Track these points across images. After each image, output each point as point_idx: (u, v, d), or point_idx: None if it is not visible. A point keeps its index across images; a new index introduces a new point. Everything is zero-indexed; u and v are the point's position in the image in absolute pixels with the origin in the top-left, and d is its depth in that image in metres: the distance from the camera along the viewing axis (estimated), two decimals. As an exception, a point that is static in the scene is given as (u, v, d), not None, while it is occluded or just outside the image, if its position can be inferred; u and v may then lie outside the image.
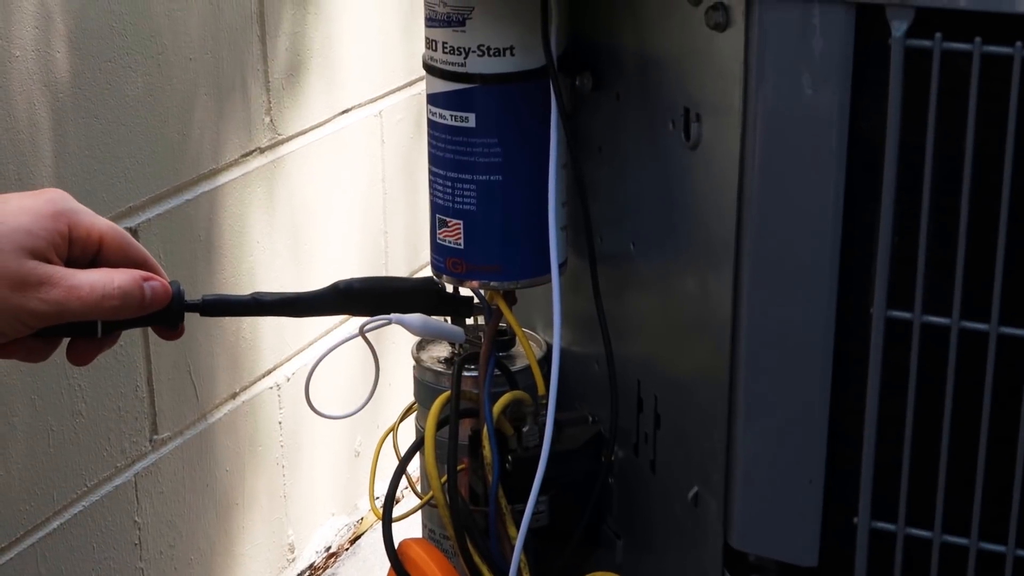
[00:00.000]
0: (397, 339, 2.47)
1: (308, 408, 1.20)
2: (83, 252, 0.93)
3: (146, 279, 0.94)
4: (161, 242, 1.90)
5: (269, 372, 2.15)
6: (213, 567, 2.08)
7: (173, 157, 1.91)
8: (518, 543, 1.10)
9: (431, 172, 1.15)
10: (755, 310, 0.99)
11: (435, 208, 1.15)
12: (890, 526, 0.98)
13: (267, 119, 2.09)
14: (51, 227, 0.89)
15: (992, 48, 0.88)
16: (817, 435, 0.98)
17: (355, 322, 2.42)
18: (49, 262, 0.89)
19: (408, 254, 2.50)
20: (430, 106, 1.14)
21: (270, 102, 2.09)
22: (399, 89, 2.41)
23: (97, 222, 0.94)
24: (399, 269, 2.48)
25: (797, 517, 1.00)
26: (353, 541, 2.32)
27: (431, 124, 1.14)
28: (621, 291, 1.15)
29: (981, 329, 0.93)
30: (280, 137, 2.13)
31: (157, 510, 1.96)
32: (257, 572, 2.17)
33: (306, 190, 2.19)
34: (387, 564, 1.18)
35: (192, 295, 1.03)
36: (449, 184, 1.13)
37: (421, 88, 2.47)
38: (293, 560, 2.25)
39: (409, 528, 1.26)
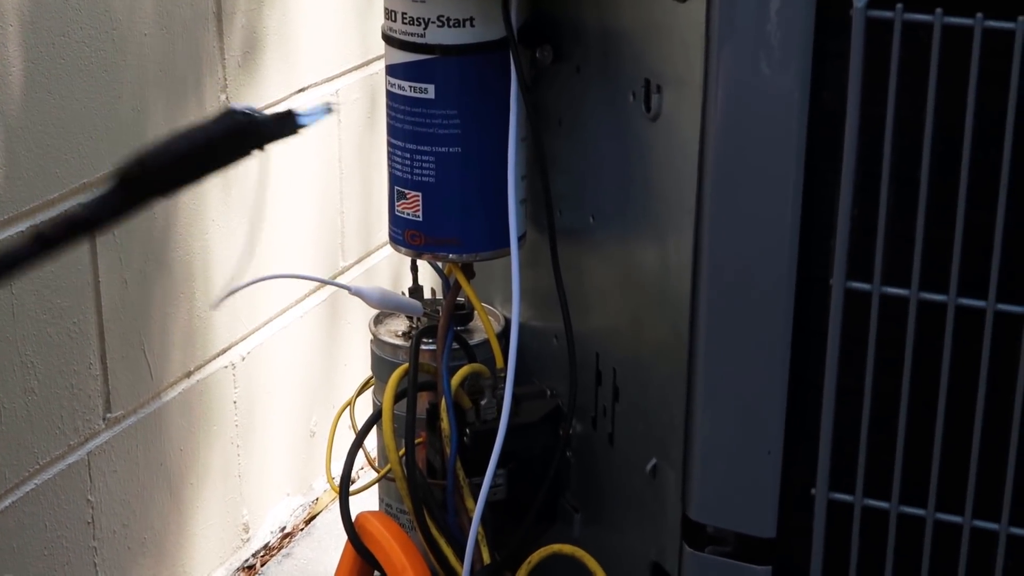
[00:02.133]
0: (351, 316, 2.46)
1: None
2: None
3: None
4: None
5: (224, 351, 2.14)
6: (166, 546, 2.06)
7: (127, 134, 1.90)
8: (475, 515, 1.10)
9: (389, 144, 1.14)
10: (714, 281, 0.99)
11: (393, 180, 1.14)
12: (848, 497, 0.98)
13: (222, 96, 2.07)
14: None
15: (953, 19, 0.89)
16: (776, 406, 0.99)
17: (310, 301, 2.39)
18: None
19: (365, 234, 2.49)
20: (389, 77, 1.13)
21: (225, 79, 2.07)
22: (355, 68, 2.40)
23: None
24: (355, 249, 2.47)
25: (755, 488, 1.00)
26: (308, 521, 2.32)
27: (390, 95, 1.13)
28: (580, 264, 1.15)
29: (940, 300, 0.93)
30: (236, 115, 2.11)
31: (110, 489, 1.94)
32: (211, 551, 2.16)
33: (262, 168, 2.17)
34: (341, 544, 1.17)
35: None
36: (408, 156, 1.12)
37: (376, 68, 2.45)
38: (247, 540, 2.24)
39: (366, 503, 1.25)
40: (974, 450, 0.95)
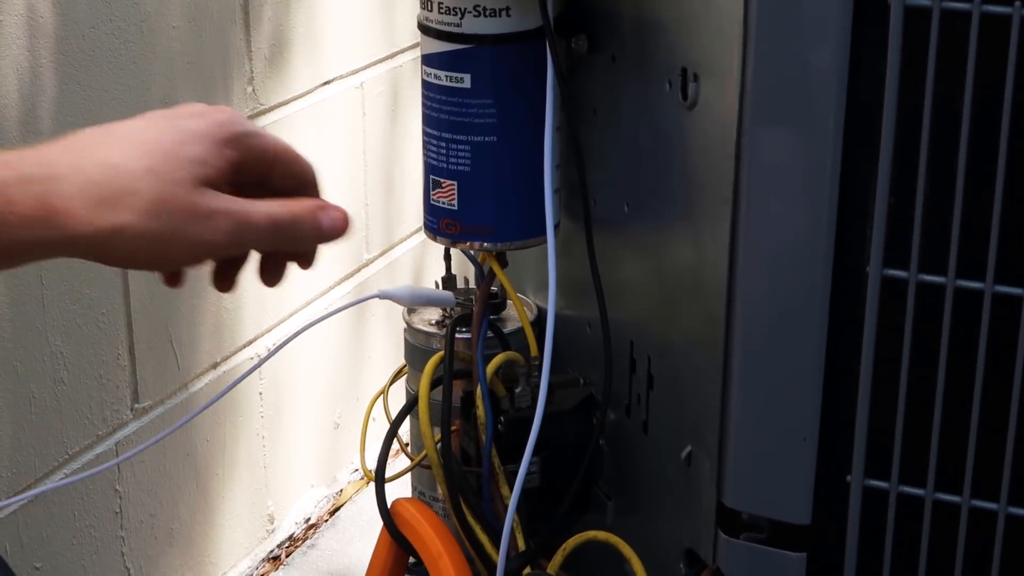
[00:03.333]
0: (376, 310, 2.47)
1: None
2: (255, 174, 0.89)
3: (321, 208, 0.90)
4: (143, 210, 1.89)
5: (250, 342, 2.15)
6: (193, 536, 2.08)
7: (156, 125, 1.90)
8: (512, 502, 1.11)
9: (425, 133, 1.15)
10: (750, 269, 0.99)
11: (429, 169, 1.15)
12: (883, 484, 0.99)
13: (249, 89, 2.08)
14: (223, 155, 0.85)
15: (991, 8, 0.89)
16: (811, 393, 0.99)
17: (335, 293, 2.39)
18: (220, 190, 0.85)
19: (388, 227, 2.50)
20: (424, 67, 1.13)
21: (252, 72, 2.08)
22: (380, 61, 2.41)
23: (268, 144, 0.90)
24: (379, 242, 2.48)
25: (790, 475, 1.01)
26: (332, 512, 2.33)
27: (425, 85, 1.14)
28: (615, 253, 1.15)
29: (976, 288, 0.93)
30: (262, 107, 2.12)
31: (138, 479, 1.95)
32: (237, 542, 2.17)
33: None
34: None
35: None
36: (443, 145, 1.13)
37: (401, 61, 2.46)
38: (272, 531, 2.25)
39: (396, 491, 1.26)
40: (1009, 438, 0.95)
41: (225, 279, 0.93)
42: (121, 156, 0.82)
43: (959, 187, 0.92)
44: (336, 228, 0.90)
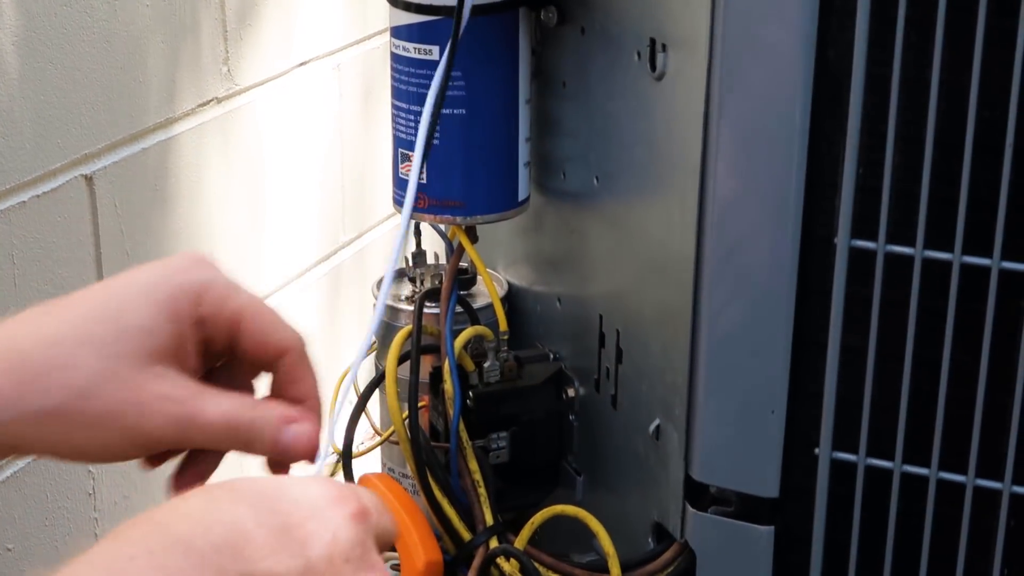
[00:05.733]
0: (351, 292, 2.46)
1: None
2: (220, 341, 0.75)
3: (286, 421, 0.75)
4: (116, 191, 1.88)
5: (224, 324, 2.14)
6: (167, 519, 2.06)
7: (129, 105, 1.90)
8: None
9: (394, 106, 1.14)
10: (718, 241, 0.98)
11: (397, 142, 1.14)
12: (851, 457, 0.99)
13: (224, 69, 2.07)
14: (177, 319, 0.71)
15: (960, -24, 0.88)
16: (780, 366, 0.99)
17: (311, 276, 2.38)
18: (180, 361, 0.72)
19: (365, 210, 2.49)
20: (393, 39, 1.13)
21: (227, 52, 2.07)
22: (357, 43, 2.40)
23: (234, 304, 0.74)
24: (355, 225, 2.47)
25: (759, 448, 1.00)
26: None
27: (394, 58, 1.13)
28: (585, 227, 1.15)
29: (945, 259, 0.93)
30: (237, 88, 2.11)
31: (111, 460, 1.94)
32: (211, 525, 2.16)
33: (263, 142, 2.17)
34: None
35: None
36: (412, 118, 1.12)
37: (378, 43, 2.45)
38: (248, 514, 2.24)
39: (368, 468, 1.25)
40: (977, 410, 0.95)
41: (158, 461, 0.78)
42: (58, 326, 0.70)
43: (927, 157, 0.92)
44: (297, 449, 0.75)
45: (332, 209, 2.39)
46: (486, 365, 1.15)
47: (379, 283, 1.27)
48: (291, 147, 2.25)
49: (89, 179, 1.82)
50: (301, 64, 2.25)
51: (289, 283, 2.26)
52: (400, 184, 1.15)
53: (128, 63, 1.88)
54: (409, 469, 1.13)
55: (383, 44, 2.40)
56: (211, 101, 2.05)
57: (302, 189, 2.29)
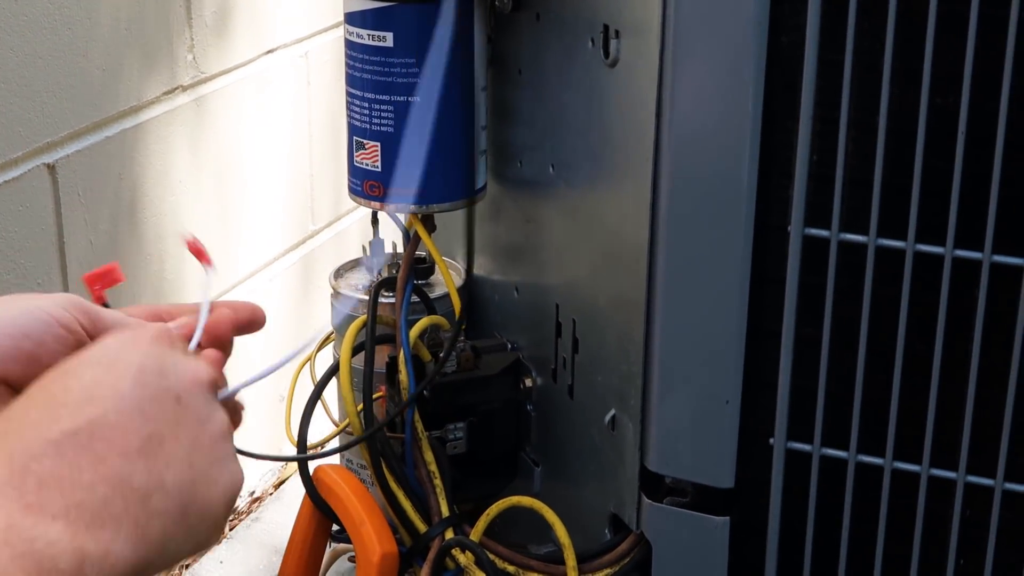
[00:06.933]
0: (321, 281, 2.44)
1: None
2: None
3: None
4: (80, 179, 1.86)
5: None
6: (134, 510, 2.05)
7: (93, 93, 1.88)
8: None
9: (348, 94, 1.13)
10: (672, 229, 0.97)
11: (352, 130, 1.13)
12: (806, 447, 0.98)
13: (190, 56, 2.05)
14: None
15: (911, -39, 0.87)
16: (734, 356, 0.98)
17: (280, 265, 2.36)
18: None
19: (334, 198, 2.47)
20: (348, 25, 1.11)
21: (193, 39, 2.05)
22: (326, 30, 2.38)
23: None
24: (325, 214, 2.45)
25: (714, 439, 1.00)
26: (277, 486, 2.31)
27: (349, 44, 1.12)
28: (541, 215, 1.14)
29: (898, 247, 0.92)
30: (203, 75, 2.09)
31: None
32: (180, 516, 2.15)
33: (231, 130, 2.15)
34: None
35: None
36: (367, 105, 1.11)
37: (349, 31, 2.44)
38: (217, 505, 2.23)
39: (334, 460, 1.24)
40: (931, 399, 0.94)
41: None
42: None
43: (880, 145, 0.91)
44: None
45: (301, 198, 2.38)
46: (442, 355, 1.14)
47: (335, 273, 1.26)
48: (259, 135, 2.23)
49: (52, 168, 1.80)
50: (268, 52, 2.23)
51: (258, 272, 2.25)
52: (355, 172, 1.14)
53: (90, 50, 1.86)
54: (364, 459, 1.12)
55: (352, 31, 2.38)
56: (177, 89, 2.03)
57: (271, 178, 2.28)
